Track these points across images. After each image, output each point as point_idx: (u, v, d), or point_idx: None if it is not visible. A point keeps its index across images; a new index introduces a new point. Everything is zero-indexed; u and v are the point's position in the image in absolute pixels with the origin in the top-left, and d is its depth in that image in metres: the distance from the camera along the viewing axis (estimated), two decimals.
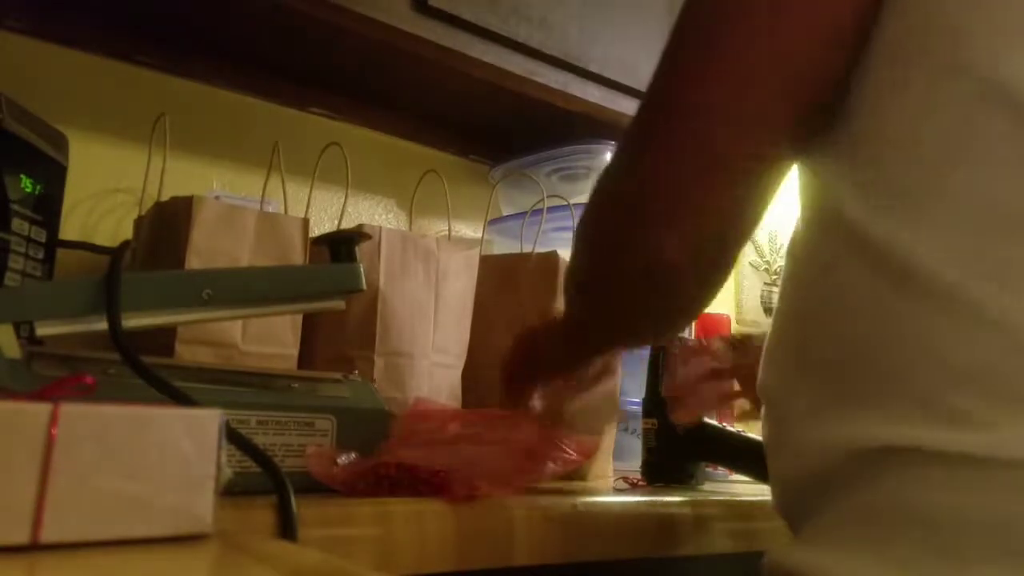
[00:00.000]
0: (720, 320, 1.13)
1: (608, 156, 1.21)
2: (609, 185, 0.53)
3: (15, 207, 0.70)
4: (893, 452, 0.40)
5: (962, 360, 0.39)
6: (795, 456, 0.47)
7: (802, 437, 0.46)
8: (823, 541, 0.43)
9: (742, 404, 0.77)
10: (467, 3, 0.98)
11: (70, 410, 0.34)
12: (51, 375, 0.52)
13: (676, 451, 0.86)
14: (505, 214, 1.22)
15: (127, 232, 0.93)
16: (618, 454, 1.00)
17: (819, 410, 0.45)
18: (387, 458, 0.58)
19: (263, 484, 0.48)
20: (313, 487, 0.56)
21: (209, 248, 0.76)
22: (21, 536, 0.32)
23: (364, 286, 0.65)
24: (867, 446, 0.41)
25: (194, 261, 0.75)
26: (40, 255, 0.73)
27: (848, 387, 0.43)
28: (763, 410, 0.51)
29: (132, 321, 0.55)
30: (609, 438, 0.95)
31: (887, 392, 0.41)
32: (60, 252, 0.79)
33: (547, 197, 0.99)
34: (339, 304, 0.65)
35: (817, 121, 0.47)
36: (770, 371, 0.51)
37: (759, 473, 0.73)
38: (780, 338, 0.50)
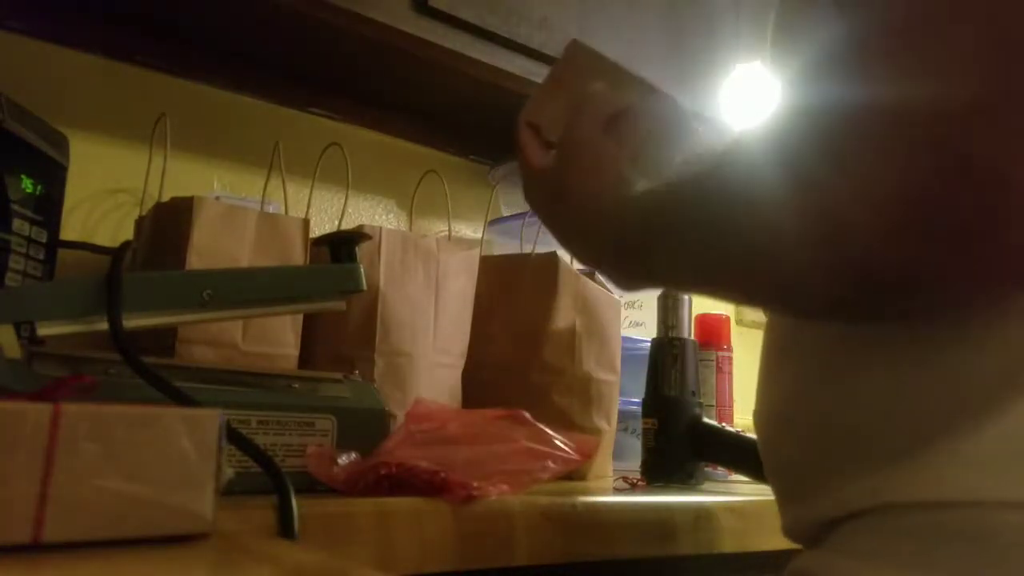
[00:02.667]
0: (720, 320, 1.12)
1: None
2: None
3: (15, 207, 0.70)
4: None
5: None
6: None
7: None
8: (869, 554, 0.41)
9: None
10: (467, 3, 0.98)
11: (71, 410, 0.34)
12: (52, 375, 0.52)
13: (676, 451, 0.86)
14: (505, 214, 1.22)
15: (128, 232, 0.93)
16: (618, 454, 1.01)
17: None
18: (387, 458, 0.58)
19: (263, 484, 0.48)
20: (313, 487, 0.56)
21: (210, 248, 0.77)
22: (22, 535, 0.32)
23: (364, 286, 0.65)
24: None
25: (195, 261, 0.75)
26: (41, 255, 0.73)
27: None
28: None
29: (133, 321, 0.55)
30: (609, 438, 0.95)
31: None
32: (61, 252, 0.79)
33: None
34: (339, 304, 0.65)
35: None
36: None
37: (758, 473, 0.73)
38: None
